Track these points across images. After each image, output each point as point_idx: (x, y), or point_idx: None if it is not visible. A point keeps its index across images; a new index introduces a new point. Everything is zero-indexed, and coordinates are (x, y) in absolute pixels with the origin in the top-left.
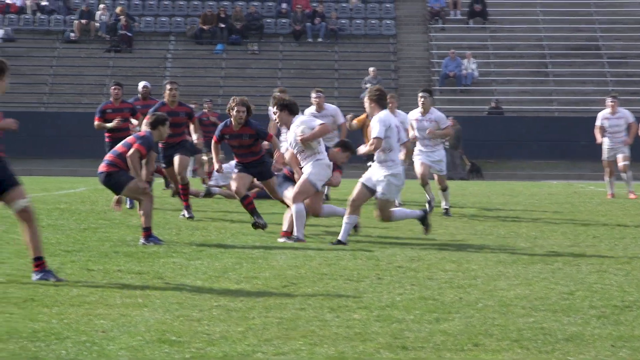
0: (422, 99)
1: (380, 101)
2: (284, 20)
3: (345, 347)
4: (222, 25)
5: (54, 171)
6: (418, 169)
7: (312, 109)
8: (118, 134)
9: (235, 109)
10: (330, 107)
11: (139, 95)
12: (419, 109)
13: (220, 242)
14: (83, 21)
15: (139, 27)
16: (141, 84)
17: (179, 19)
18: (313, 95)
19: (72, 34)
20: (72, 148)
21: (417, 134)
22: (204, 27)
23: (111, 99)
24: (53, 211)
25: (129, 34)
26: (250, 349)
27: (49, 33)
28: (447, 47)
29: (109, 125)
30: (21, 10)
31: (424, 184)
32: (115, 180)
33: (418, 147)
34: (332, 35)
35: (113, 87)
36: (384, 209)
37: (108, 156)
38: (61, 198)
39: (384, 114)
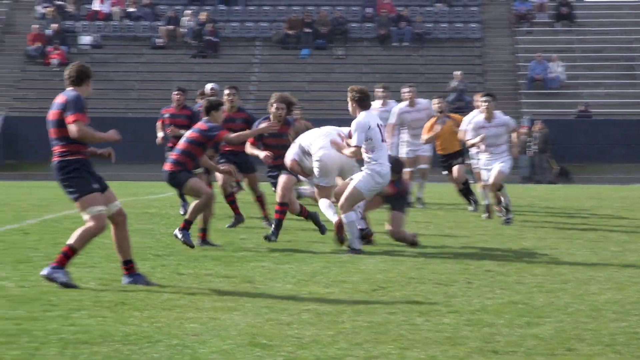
0: (486, 104)
1: (361, 102)
2: (369, 25)
3: (436, 351)
4: (308, 30)
5: (143, 176)
6: (479, 188)
7: (404, 104)
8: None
9: (275, 105)
10: (423, 102)
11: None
12: (483, 115)
13: (309, 246)
14: (170, 27)
15: (225, 33)
16: (209, 86)
17: (264, 24)
18: (405, 90)
19: (158, 40)
20: (159, 153)
21: (482, 142)
22: (290, 32)
23: (173, 104)
24: (142, 215)
25: (215, 40)
26: (341, 352)
27: (136, 39)
28: (534, 50)
29: (159, 135)
30: (109, 16)
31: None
32: (178, 179)
33: (483, 156)
34: (418, 39)
35: (175, 92)
36: (351, 198)
37: (172, 154)
38: (151, 202)
39: (363, 116)
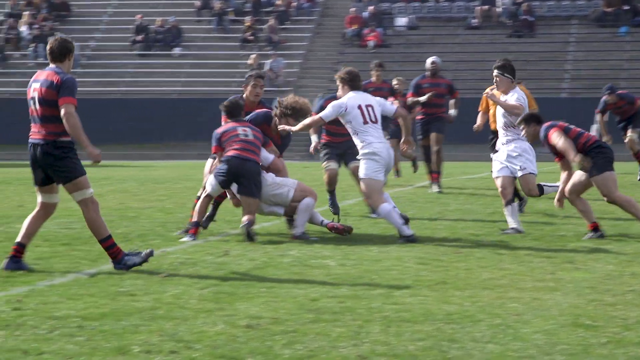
0: None
1: (351, 82)
2: None
3: None
4: (626, 7)
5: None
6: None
7: None
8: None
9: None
10: None
11: (427, 73)
12: None
13: (628, 228)
14: (484, 7)
15: (541, 12)
16: (430, 60)
17: (581, 2)
18: None
19: (473, 21)
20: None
21: None
22: (607, 10)
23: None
24: (459, 196)
25: (531, 19)
26: None
27: (451, 20)
28: None
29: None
30: None
31: None
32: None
33: None
34: None
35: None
36: (368, 191)
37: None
38: (465, 183)
39: (346, 97)
